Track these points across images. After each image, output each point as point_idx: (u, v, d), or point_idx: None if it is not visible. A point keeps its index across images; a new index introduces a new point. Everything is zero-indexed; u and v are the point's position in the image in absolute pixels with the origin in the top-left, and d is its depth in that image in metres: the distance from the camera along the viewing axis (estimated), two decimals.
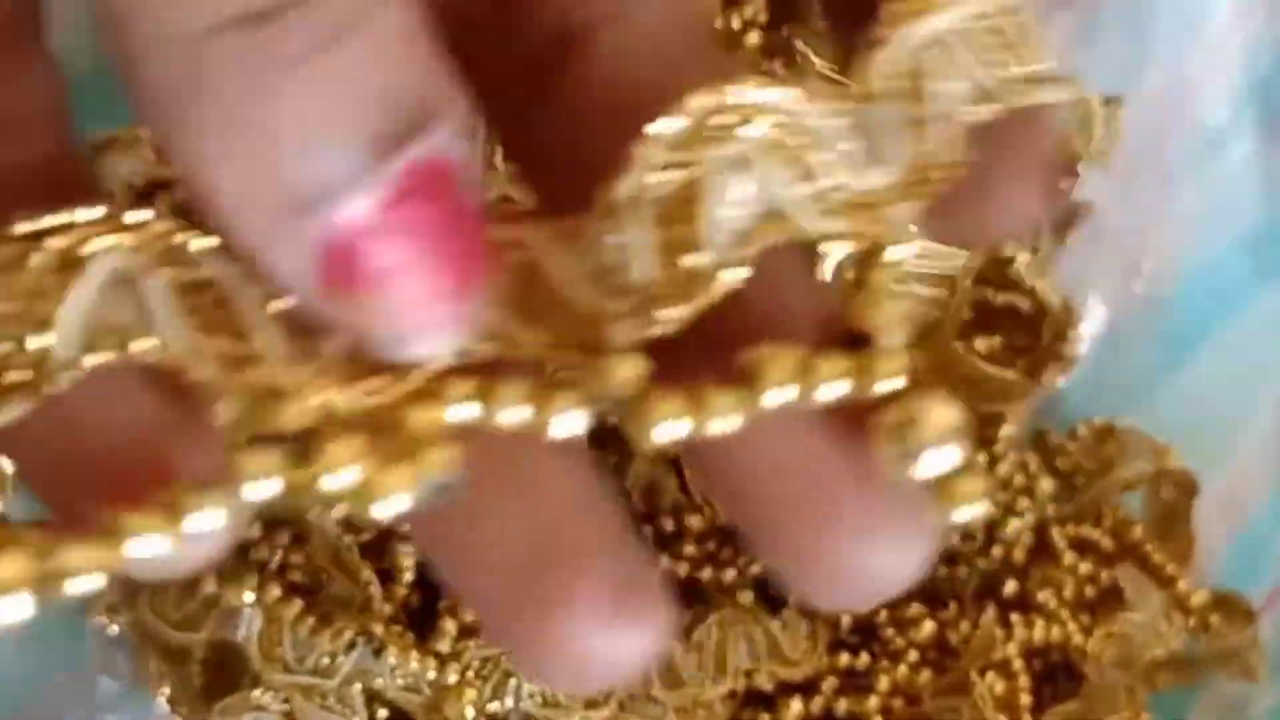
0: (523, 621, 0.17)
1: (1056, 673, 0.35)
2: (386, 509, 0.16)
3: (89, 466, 0.17)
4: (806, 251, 0.17)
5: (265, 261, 0.16)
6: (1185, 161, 0.41)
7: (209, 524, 0.16)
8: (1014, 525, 0.35)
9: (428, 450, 0.16)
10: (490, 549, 0.17)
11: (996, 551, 0.35)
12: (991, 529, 0.35)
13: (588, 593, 0.16)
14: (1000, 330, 0.35)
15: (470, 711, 0.31)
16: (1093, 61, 0.40)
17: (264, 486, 0.16)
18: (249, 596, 0.31)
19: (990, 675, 0.33)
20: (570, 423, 0.16)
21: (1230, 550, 0.38)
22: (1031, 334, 0.35)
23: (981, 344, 0.35)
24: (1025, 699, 0.34)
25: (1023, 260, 0.34)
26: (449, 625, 0.31)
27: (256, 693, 0.31)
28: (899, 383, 0.17)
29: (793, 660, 0.33)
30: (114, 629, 0.33)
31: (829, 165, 0.17)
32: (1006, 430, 0.35)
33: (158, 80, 0.15)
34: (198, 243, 0.16)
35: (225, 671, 0.32)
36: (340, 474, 0.16)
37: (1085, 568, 0.35)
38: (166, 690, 0.32)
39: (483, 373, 0.16)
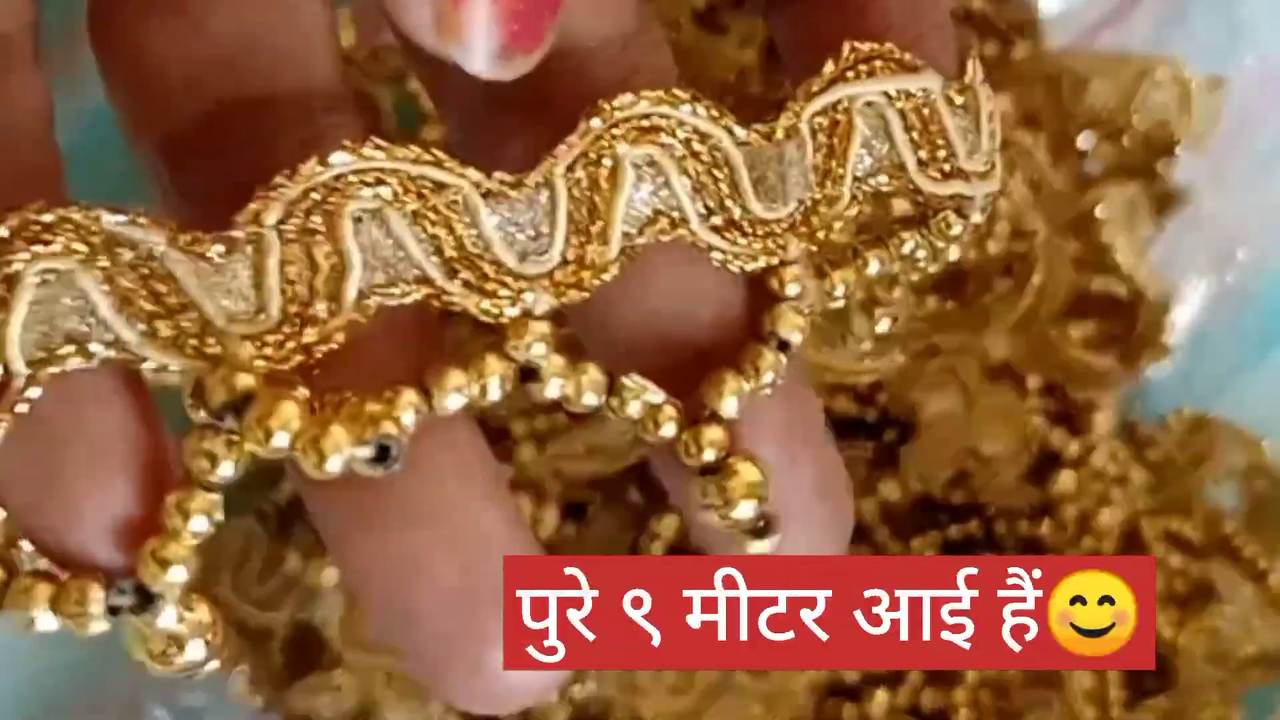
0: (449, 657, 0.18)
1: None
2: (333, 464, 0.17)
3: None
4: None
5: None
6: (1276, 150, 0.41)
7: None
8: (1105, 516, 0.34)
9: (379, 418, 0.17)
10: (420, 588, 0.18)
11: (1087, 543, 0.34)
12: (1084, 519, 0.34)
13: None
14: (1096, 316, 0.35)
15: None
16: (1182, 44, 0.39)
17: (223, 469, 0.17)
18: (331, 574, 0.30)
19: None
20: (493, 390, 0.18)
21: None
22: (1127, 321, 0.35)
23: (1076, 331, 0.34)
24: (1116, 693, 0.33)
25: (1121, 245, 0.33)
26: None
27: (336, 673, 0.31)
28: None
29: None
30: None
31: (729, 186, 0.18)
32: (1100, 418, 0.34)
33: None
34: (110, 219, 0.16)
35: (305, 652, 0.32)
36: (286, 429, 0.16)
37: (1176, 561, 0.35)
38: (245, 669, 0.32)
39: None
